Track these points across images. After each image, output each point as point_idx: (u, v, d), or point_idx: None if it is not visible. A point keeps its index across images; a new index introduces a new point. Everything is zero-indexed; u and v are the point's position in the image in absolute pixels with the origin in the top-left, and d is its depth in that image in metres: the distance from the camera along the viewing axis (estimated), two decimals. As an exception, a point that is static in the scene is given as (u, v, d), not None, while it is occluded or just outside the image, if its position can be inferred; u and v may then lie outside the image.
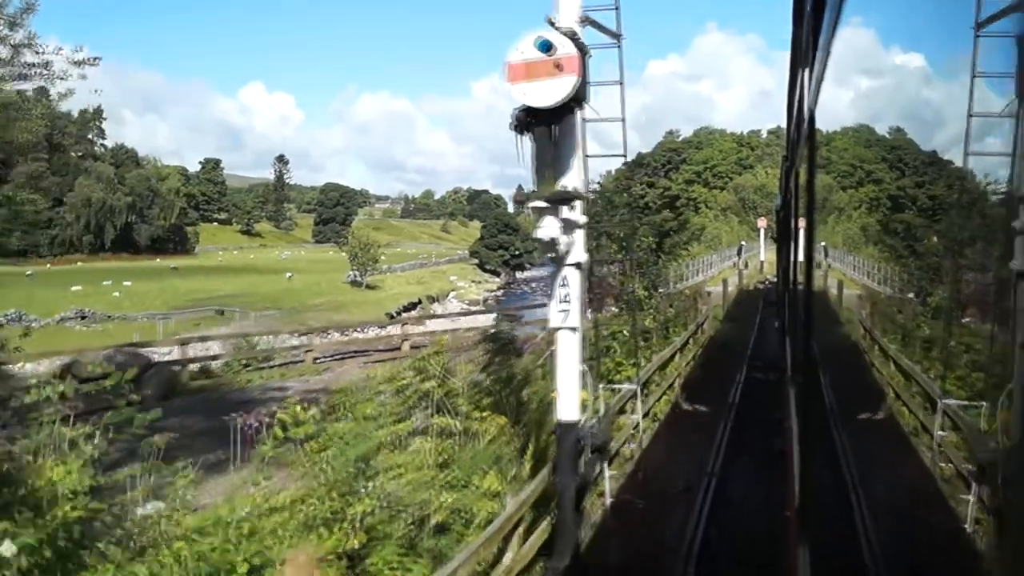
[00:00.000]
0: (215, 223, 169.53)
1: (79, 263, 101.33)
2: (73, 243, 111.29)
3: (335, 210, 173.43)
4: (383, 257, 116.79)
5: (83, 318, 43.36)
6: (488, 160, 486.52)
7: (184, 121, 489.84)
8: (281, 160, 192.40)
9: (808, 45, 3.21)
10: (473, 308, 70.78)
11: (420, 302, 68.74)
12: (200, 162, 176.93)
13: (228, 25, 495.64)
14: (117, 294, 57.63)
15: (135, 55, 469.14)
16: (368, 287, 71.06)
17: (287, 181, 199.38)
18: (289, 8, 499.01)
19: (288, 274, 75.76)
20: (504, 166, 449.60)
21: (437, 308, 71.51)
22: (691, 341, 20.26)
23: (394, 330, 53.39)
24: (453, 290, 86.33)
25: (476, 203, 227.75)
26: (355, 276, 71.48)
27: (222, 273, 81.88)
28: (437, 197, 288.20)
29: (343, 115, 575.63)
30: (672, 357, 17.21)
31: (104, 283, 65.84)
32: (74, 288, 59.26)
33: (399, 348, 26.71)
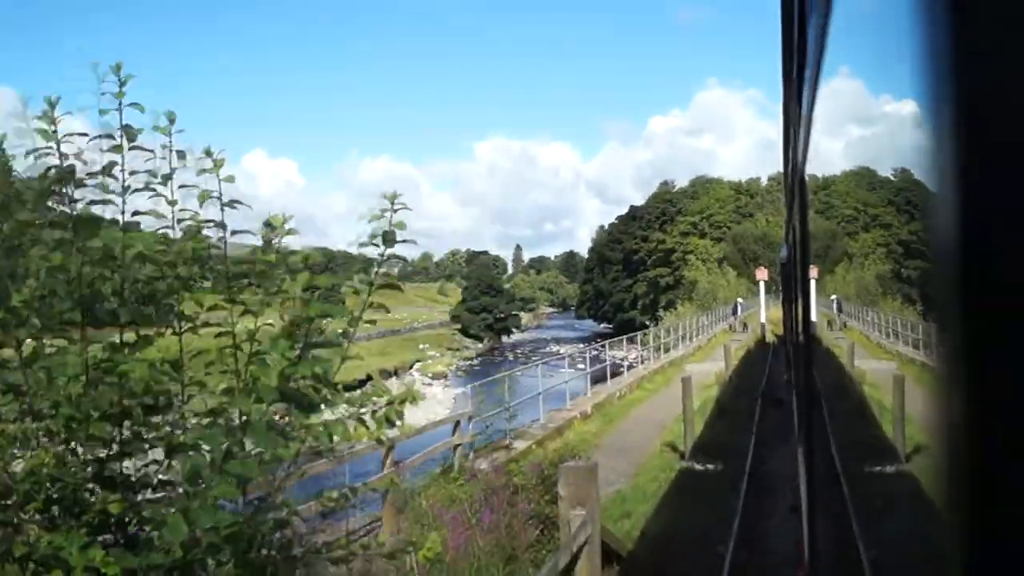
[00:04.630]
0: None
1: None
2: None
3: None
4: (365, 324, 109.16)
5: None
6: (491, 220, 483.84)
7: (189, 189, 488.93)
8: (268, 225, 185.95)
9: (795, 103, 3.49)
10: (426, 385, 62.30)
11: (370, 378, 59.66)
12: (182, 229, 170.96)
13: (225, 92, 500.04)
14: None
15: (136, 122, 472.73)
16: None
17: (280, 246, 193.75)
18: (285, 74, 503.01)
19: (227, 348, 67.28)
20: (507, 226, 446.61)
21: (393, 383, 62.82)
22: None
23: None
24: (419, 360, 77.24)
25: (474, 264, 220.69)
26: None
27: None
28: (437, 259, 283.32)
29: (346, 180, 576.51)
30: None
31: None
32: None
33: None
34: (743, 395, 21.50)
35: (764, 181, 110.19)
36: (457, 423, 13.45)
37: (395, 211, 3.61)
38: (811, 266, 4.25)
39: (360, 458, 11.43)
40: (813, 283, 4.29)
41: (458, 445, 12.56)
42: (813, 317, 4.35)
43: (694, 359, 35.90)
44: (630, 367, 29.33)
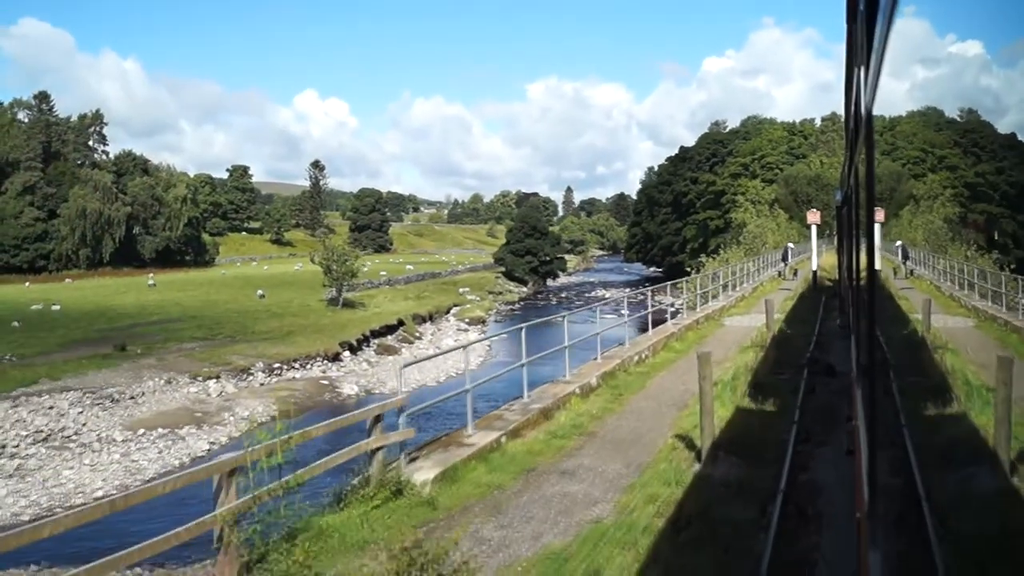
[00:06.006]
0: (244, 232, 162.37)
1: (68, 279, 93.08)
2: (70, 257, 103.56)
3: (370, 216, 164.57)
4: (409, 267, 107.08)
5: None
6: (542, 162, 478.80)
7: (242, 130, 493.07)
8: (316, 166, 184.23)
9: (863, 41, 3.38)
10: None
11: (402, 323, 57.80)
12: (228, 169, 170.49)
13: (275, 33, 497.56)
14: (16, 324, 47.88)
15: (190, 65, 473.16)
16: (347, 305, 60.64)
17: (328, 187, 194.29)
18: (337, 16, 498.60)
19: (259, 291, 65.68)
20: (559, 168, 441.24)
21: (427, 329, 60.80)
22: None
23: (334, 370, 42.91)
24: (456, 304, 74.88)
25: (525, 206, 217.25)
26: (333, 292, 61.10)
27: (201, 288, 72.25)
28: (487, 201, 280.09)
29: (398, 121, 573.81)
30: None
31: (32, 307, 56.66)
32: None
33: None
34: (786, 361, 18.30)
35: (818, 122, 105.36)
36: (378, 417, 9.34)
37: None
38: (875, 209, 3.97)
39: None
40: (877, 227, 4.29)
41: (378, 448, 9.10)
42: (875, 263, 3.98)
43: (735, 311, 33.00)
44: (657, 324, 25.55)
